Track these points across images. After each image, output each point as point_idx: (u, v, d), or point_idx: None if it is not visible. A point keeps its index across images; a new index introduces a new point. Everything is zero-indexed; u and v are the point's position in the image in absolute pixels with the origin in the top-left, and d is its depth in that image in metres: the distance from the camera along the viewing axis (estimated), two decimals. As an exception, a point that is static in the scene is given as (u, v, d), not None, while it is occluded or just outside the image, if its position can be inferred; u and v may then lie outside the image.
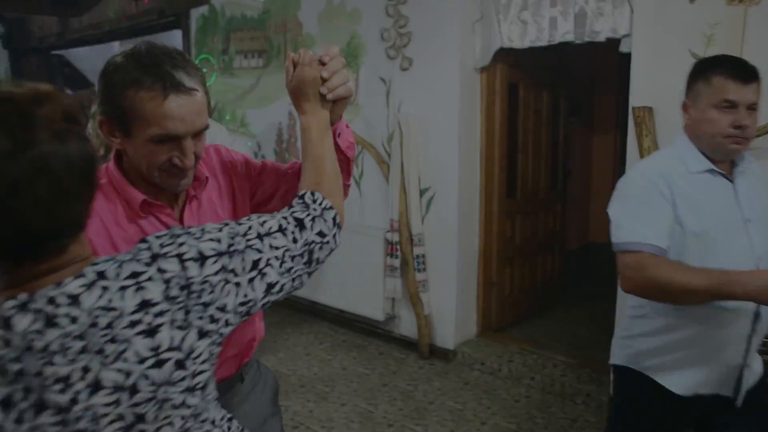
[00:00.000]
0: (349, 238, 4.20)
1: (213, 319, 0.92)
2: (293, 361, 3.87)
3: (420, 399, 3.36)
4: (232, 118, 5.22)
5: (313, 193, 1.12)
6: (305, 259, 1.06)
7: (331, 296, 4.43)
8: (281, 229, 1.03)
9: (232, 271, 0.95)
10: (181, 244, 0.92)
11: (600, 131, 5.02)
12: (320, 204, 1.11)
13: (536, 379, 3.49)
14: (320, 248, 1.09)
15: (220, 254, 0.94)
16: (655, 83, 2.87)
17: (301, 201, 1.12)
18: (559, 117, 4.49)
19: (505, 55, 3.68)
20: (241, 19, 4.99)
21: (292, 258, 1.04)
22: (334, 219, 1.11)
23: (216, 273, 0.93)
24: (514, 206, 4.09)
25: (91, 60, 10.93)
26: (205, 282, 0.91)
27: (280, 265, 1.02)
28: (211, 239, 0.95)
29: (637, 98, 2.92)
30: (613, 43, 3.11)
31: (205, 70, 5.41)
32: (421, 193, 3.86)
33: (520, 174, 4.13)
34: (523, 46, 3.44)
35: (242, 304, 0.97)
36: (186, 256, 0.91)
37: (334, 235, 1.11)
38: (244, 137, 5.12)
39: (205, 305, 0.91)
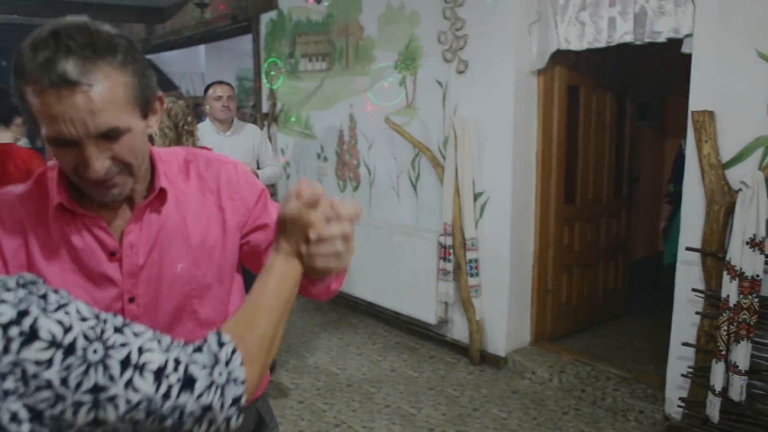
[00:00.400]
0: (403, 240, 4.23)
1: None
2: (344, 360, 3.92)
3: (465, 405, 3.32)
4: (298, 120, 5.35)
5: (233, 350, 0.81)
6: (162, 424, 0.74)
7: (386, 297, 4.46)
8: (158, 372, 0.73)
9: (62, 378, 0.68)
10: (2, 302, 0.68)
11: (672, 136, 4.76)
12: (230, 372, 0.79)
13: (587, 392, 3.37)
14: (198, 424, 0.76)
15: (55, 345, 0.68)
16: (717, 85, 2.71)
17: (212, 347, 0.81)
18: (625, 121, 4.31)
19: (564, 56, 3.58)
20: (307, 24, 5.10)
21: (147, 414, 0.72)
22: (235, 400, 0.79)
23: (38, 363, 0.67)
24: (572, 212, 3.97)
25: (178, 64, 11.53)
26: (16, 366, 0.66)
27: (126, 410, 0.71)
28: (60, 321, 0.69)
29: (697, 101, 2.77)
30: (677, 43, 2.96)
31: (273, 73, 5.58)
32: (475, 197, 3.81)
33: (579, 179, 4.00)
34: (580, 48, 3.34)
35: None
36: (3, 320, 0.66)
37: (227, 419, 0.78)
38: (308, 139, 5.24)
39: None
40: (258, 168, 3.92)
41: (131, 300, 1.08)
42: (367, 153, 4.67)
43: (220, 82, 3.89)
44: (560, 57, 3.57)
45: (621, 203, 4.40)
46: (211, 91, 3.83)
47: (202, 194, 1.16)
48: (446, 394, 3.46)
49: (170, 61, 11.29)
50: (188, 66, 11.77)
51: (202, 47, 10.92)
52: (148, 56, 10.00)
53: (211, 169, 1.18)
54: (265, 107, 5.74)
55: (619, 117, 4.24)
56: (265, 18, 5.61)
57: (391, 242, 4.38)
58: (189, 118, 3.29)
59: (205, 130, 3.68)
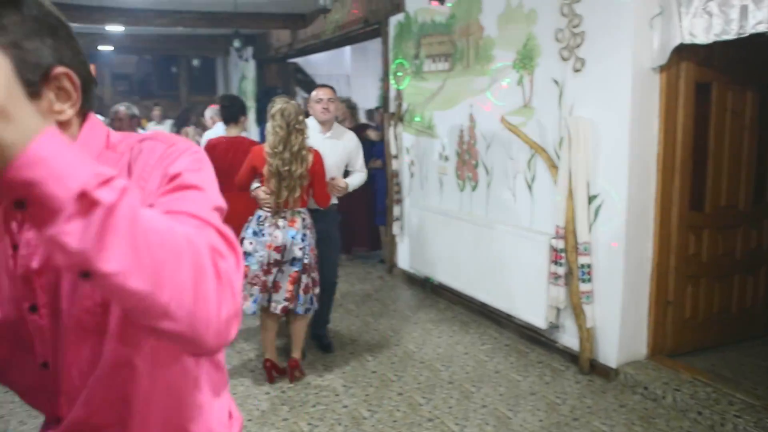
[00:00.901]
0: (517, 241, 4.18)
1: None
2: (450, 358, 3.96)
3: (565, 414, 3.23)
4: (421, 120, 5.45)
5: None
6: None
7: (499, 299, 4.43)
8: None
9: None
10: None
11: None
12: None
13: (704, 415, 3.12)
14: None
15: None
16: None
17: None
18: (771, 120, 3.90)
19: (693, 51, 3.33)
20: (431, 25, 5.18)
21: None
22: None
23: None
24: (699, 219, 3.68)
25: (323, 66, 12.12)
26: None
27: None
28: None
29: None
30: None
31: (400, 74, 5.73)
32: (590, 200, 3.67)
33: (709, 184, 3.69)
34: (706, 41, 3.09)
35: None
36: None
37: None
38: (431, 138, 5.32)
39: None
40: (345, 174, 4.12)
41: (32, 309, 0.90)
42: (485, 153, 4.65)
43: (323, 86, 4.08)
44: (687, 52, 3.33)
45: (763, 211, 4.00)
46: (313, 93, 4.04)
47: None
48: (547, 400, 3.37)
49: (316, 63, 11.93)
50: (334, 68, 12.32)
51: (347, 50, 11.41)
52: (294, 60, 10.67)
53: (140, 153, 0.94)
54: (392, 107, 5.91)
55: (763, 116, 3.85)
56: (394, 20, 5.78)
57: (505, 243, 4.34)
58: (300, 118, 3.53)
59: (311, 129, 3.90)
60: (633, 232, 3.53)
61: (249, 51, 10.52)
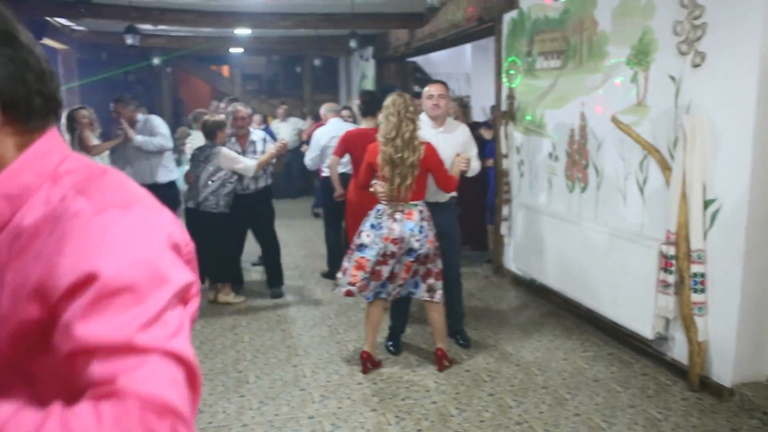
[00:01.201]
0: (625, 246, 3.99)
1: None
2: (547, 363, 3.85)
3: (665, 431, 3.04)
4: (533, 119, 5.33)
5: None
6: None
7: (604, 304, 4.25)
8: None
9: None
10: None
11: None
12: None
13: (829, 445, 2.81)
14: None
15: None
16: None
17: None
18: None
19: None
20: (544, 21, 5.05)
21: None
22: None
23: None
24: (837, 229, 3.30)
25: (444, 65, 12.13)
26: None
27: None
28: None
29: None
30: None
31: (512, 72, 5.63)
32: (705, 204, 3.42)
33: None
34: None
35: None
36: None
37: None
38: (541, 138, 5.19)
39: None
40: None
41: None
42: (596, 153, 4.47)
43: (435, 82, 4.11)
44: (825, 44, 3.01)
45: None
46: (425, 89, 4.08)
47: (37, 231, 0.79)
48: (647, 415, 3.19)
49: (436, 62, 11.96)
50: (454, 67, 12.30)
51: (468, 48, 11.35)
52: (414, 59, 10.78)
53: (63, 213, 0.79)
54: (504, 106, 5.82)
55: None
56: (507, 18, 5.69)
57: (614, 247, 4.15)
58: (411, 108, 3.61)
59: (424, 124, 3.94)
60: (754, 240, 3.24)
61: (369, 51, 10.78)
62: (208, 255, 4.86)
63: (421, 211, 3.66)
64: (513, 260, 5.68)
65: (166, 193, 5.24)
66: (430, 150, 3.66)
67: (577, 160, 4.69)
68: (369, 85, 11.00)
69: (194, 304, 0.89)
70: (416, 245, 3.59)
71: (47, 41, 7.84)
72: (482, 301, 5.14)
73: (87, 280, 0.70)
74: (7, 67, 0.80)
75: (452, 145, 4.00)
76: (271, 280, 5.46)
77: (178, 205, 5.45)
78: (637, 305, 3.87)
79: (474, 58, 11.88)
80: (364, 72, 11.38)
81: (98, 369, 0.67)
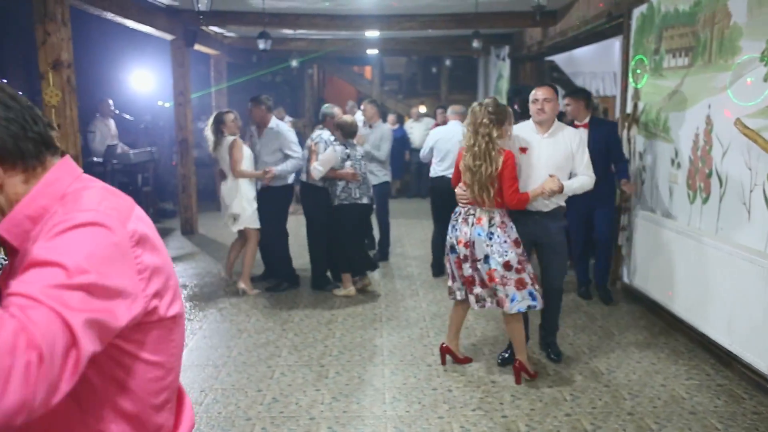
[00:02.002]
0: (745, 267, 3.58)
1: None
2: (641, 387, 3.54)
3: (762, 479, 2.67)
4: (656, 122, 4.91)
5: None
6: None
7: (717, 330, 3.82)
8: None
9: None
10: None
11: None
12: None
13: None
14: None
15: None
16: None
17: None
18: None
19: None
20: (674, 15, 4.63)
21: None
22: None
23: None
24: None
25: (588, 64, 11.52)
26: None
27: None
28: None
29: None
30: None
31: (639, 71, 5.23)
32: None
33: None
34: None
35: None
36: None
37: None
38: (665, 142, 4.77)
39: None
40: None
41: None
42: (720, 161, 4.02)
43: (543, 85, 3.90)
44: None
45: None
46: (532, 93, 3.89)
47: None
48: (745, 459, 2.82)
49: (580, 60, 11.37)
50: (599, 65, 11.67)
51: (616, 45, 10.69)
52: (552, 57, 10.38)
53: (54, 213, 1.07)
54: (629, 107, 5.43)
55: None
56: (637, 12, 5.29)
57: (732, 267, 3.72)
58: (485, 120, 3.52)
59: (528, 129, 3.80)
60: None
61: (505, 50, 10.55)
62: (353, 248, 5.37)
63: (492, 218, 3.57)
64: (629, 273, 5.28)
65: (279, 194, 5.47)
66: (508, 161, 3.54)
67: (700, 167, 4.25)
68: (504, 85, 10.77)
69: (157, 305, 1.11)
70: (488, 251, 3.52)
71: (199, 47, 8.61)
72: (587, 315, 4.84)
73: (38, 263, 0.92)
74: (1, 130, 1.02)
75: (558, 152, 3.74)
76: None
77: (289, 203, 5.68)
78: (754, 334, 3.44)
79: (623, 55, 11.15)
80: (500, 72, 11.15)
81: (5, 302, 0.87)
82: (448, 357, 3.89)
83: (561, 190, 3.64)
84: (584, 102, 5.11)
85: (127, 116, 8.96)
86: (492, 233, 3.55)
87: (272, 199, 5.43)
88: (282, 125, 5.54)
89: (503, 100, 10.17)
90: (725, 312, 3.74)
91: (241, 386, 3.60)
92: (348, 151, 5.18)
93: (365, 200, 5.29)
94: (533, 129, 3.86)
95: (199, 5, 5.11)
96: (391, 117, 10.66)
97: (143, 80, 9.95)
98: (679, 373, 3.74)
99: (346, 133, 5.23)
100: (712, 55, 4.14)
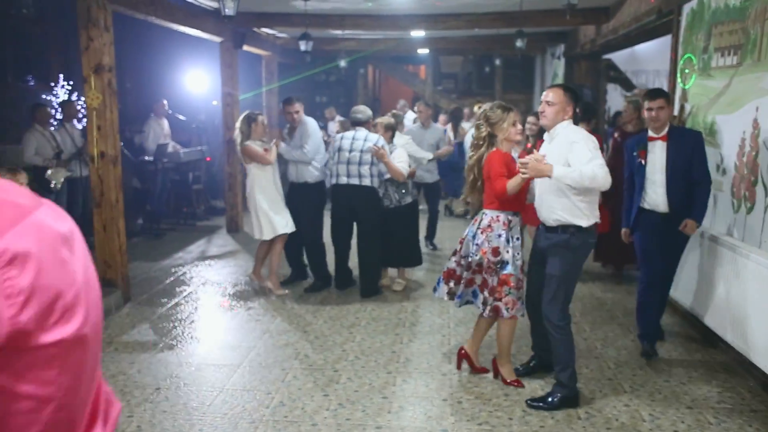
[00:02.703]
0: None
1: None
2: (664, 409, 3.32)
3: None
4: (704, 125, 4.61)
5: None
6: None
7: (756, 351, 3.54)
8: None
9: None
10: None
11: None
12: None
13: None
14: None
15: None
16: None
17: None
18: None
19: None
20: (724, 10, 4.33)
21: None
22: None
23: None
24: None
25: (651, 61, 11.01)
26: None
27: None
28: None
29: None
30: None
31: (687, 71, 4.94)
32: None
33: None
34: None
35: None
36: None
37: None
38: (711, 147, 4.47)
39: None
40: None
41: None
42: (767, 168, 3.72)
43: (550, 87, 3.70)
44: None
45: None
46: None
47: None
48: (767, 495, 2.59)
49: (642, 58, 10.87)
50: (664, 63, 11.15)
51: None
52: (610, 56, 9.98)
53: None
54: (675, 110, 5.13)
55: None
56: (687, 8, 4.99)
57: (774, 284, 3.43)
58: (478, 123, 3.60)
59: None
60: None
61: (560, 48, 10.23)
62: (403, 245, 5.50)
63: (481, 220, 3.62)
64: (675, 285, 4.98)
65: (313, 192, 5.50)
66: (490, 159, 3.55)
67: (746, 174, 3.95)
68: (559, 84, 10.45)
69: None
70: (472, 250, 3.61)
71: (249, 48, 8.77)
72: (619, 324, 4.60)
73: None
74: None
75: (553, 154, 3.53)
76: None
77: (324, 203, 5.68)
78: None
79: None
80: (555, 71, 10.83)
81: None
82: (465, 365, 3.81)
83: (542, 173, 3.18)
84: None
85: (180, 116, 9.22)
86: (476, 234, 3.62)
87: (305, 198, 5.45)
88: (311, 122, 5.57)
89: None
90: (764, 333, 3.46)
91: (252, 387, 3.61)
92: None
93: (409, 199, 5.50)
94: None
95: (226, 10, 5.17)
96: (442, 117, 10.53)
97: (198, 81, 10.22)
98: (711, 395, 3.49)
99: (393, 134, 5.51)
100: (761, 53, 3.84)
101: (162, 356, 4.06)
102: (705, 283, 4.25)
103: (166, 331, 4.52)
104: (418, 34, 8.69)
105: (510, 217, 3.55)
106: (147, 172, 8.17)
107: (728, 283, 3.91)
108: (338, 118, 10.35)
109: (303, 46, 7.00)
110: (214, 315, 4.94)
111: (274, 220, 5.26)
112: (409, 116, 9.99)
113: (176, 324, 4.68)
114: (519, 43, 7.08)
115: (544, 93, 3.59)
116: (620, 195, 4.45)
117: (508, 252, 3.51)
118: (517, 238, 3.56)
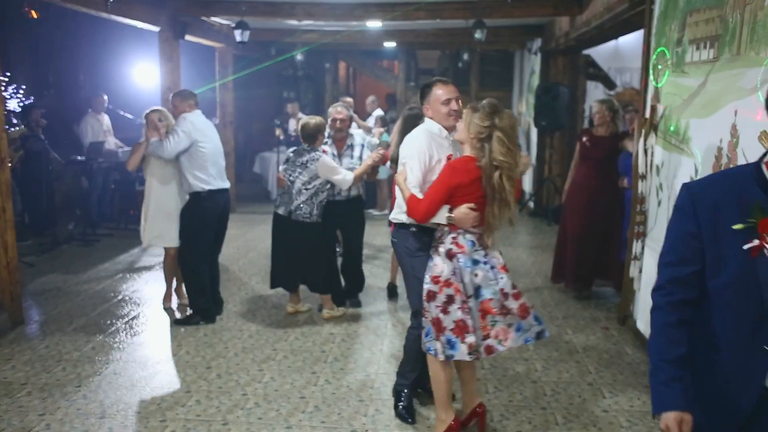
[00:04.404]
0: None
1: None
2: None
3: None
4: (676, 130, 3.98)
5: None
6: None
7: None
8: None
9: None
10: None
11: None
12: None
13: None
14: None
15: None
16: None
17: None
18: None
19: None
20: (700, -5, 3.68)
21: None
22: None
23: None
24: None
25: (636, 58, 10.33)
26: None
27: None
28: None
29: None
30: None
31: (660, 67, 4.29)
32: None
33: None
34: None
35: None
36: None
37: None
38: (684, 156, 3.83)
39: None
40: None
41: None
42: (746, 184, 3.08)
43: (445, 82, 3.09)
44: None
45: None
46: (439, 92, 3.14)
47: None
48: None
49: (628, 55, 10.22)
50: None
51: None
52: (588, 52, 9.34)
53: None
54: (647, 111, 4.49)
55: None
56: (660, -5, 4.34)
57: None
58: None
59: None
60: None
61: (536, 43, 9.58)
62: (303, 266, 4.63)
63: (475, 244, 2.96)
64: (638, 313, 4.36)
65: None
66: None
67: (723, 191, 3.30)
68: (536, 82, 9.80)
69: None
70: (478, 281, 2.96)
71: (199, 39, 8.09)
72: (579, 364, 3.96)
73: None
74: None
75: None
76: (351, 290, 5.12)
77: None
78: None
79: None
80: (532, 67, 10.17)
81: None
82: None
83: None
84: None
85: (122, 112, 8.53)
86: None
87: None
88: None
89: (532, 99, 9.25)
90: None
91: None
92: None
93: (315, 218, 4.56)
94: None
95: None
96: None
97: (146, 74, 9.50)
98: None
99: (305, 137, 4.62)
100: (741, 46, 3.19)
101: (27, 402, 3.38)
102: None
103: (46, 368, 3.84)
104: (374, 24, 8.01)
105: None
106: (80, 173, 7.49)
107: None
108: (300, 115, 9.66)
109: (239, 36, 6.33)
110: (107, 346, 4.25)
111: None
112: (378, 113, 9.33)
113: (63, 358, 4.00)
114: (478, 35, 6.43)
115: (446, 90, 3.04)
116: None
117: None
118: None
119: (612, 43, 9.63)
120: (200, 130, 4.56)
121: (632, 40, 9.37)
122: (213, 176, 4.57)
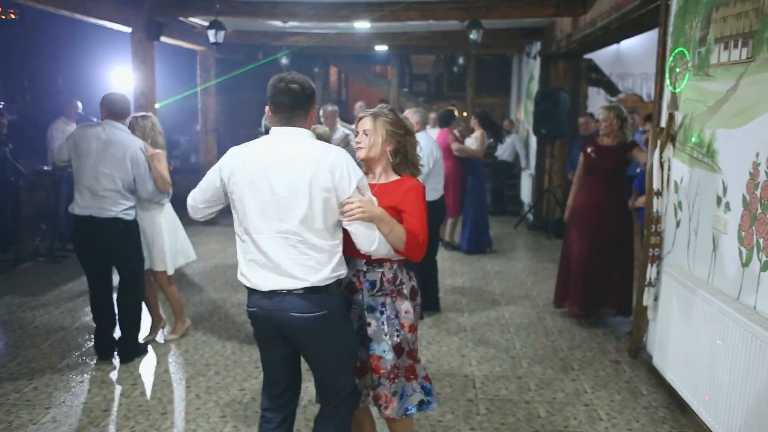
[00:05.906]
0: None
1: None
2: None
3: None
4: (699, 141, 3.49)
5: None
6: None
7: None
8: None
9: None
10: None
11: None
12: None
13: None
14: None
15: None
16: None
17: None
18: None
19: None
20: (728, -13, 3.20)
21: None
22: None
23: None
24: None
25: (639, 62, 9.90)
26: None
27: None
28: None
29: None
30: None
31: (678, 70, 3.81)
32: None
33: None
34: None
35: None
36: None
37: None
38: (710, 171, 3.34)
39: None
40: None
41: None
42: (791, 207, 2.60)
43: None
44: None
45: None
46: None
47: None
48: None
49: (630, 59, 9.77)
50: (653, 66, 10.07)
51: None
52: (590, 56, 8.89)
53: None
54: (663, 119, 4.00)
55: None
56: (678, -10, 3.87)
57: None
58: None
59: None
60: None
61: (536, 46, 9.12)
62: None
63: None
64: (653, 346, 3.86)
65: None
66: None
67: (761, 214, 2.82)
68: (535, 88, 9.33)
69: None
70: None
71: (179, 42, 7.61)
72: (589, 406, 3.46)
73: None
74: None
75: None
76: None
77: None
78: None
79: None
80: (531, 72, 9.71)
81: None
82: None
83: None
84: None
85: (96, 119, 8.02)
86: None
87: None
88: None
89: (531, 106, 8.76)
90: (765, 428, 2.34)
91: None
92: None
93: None
94: None
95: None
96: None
97: (125, 79, 9.00)
98: None
99: None
100: (782, 44, 2.72)
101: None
102: (703, 363, 3.11)
103: (-26, 413, 3.32)
104: (362, 25, 7.53)
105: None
106: (42, 186, 6.97)
107: (738, 371, 2.77)
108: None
109: (212, 37, 5.85)
110: (51, 386, 3.73)
111: None
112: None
113: (-4, 399, 3.48)
114: (473, 35, 5.95)
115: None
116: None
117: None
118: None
119: (613, 48, 9.18)
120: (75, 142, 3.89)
121: (634, 45, 8.96)
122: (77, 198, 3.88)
